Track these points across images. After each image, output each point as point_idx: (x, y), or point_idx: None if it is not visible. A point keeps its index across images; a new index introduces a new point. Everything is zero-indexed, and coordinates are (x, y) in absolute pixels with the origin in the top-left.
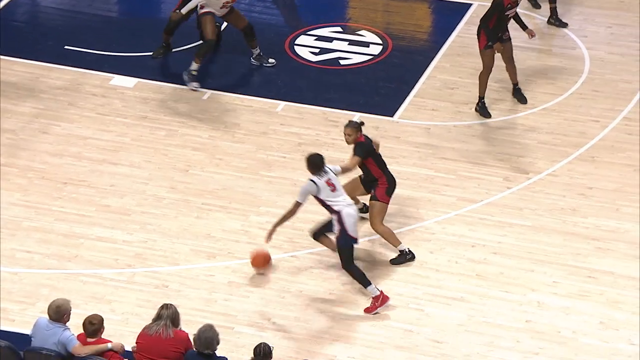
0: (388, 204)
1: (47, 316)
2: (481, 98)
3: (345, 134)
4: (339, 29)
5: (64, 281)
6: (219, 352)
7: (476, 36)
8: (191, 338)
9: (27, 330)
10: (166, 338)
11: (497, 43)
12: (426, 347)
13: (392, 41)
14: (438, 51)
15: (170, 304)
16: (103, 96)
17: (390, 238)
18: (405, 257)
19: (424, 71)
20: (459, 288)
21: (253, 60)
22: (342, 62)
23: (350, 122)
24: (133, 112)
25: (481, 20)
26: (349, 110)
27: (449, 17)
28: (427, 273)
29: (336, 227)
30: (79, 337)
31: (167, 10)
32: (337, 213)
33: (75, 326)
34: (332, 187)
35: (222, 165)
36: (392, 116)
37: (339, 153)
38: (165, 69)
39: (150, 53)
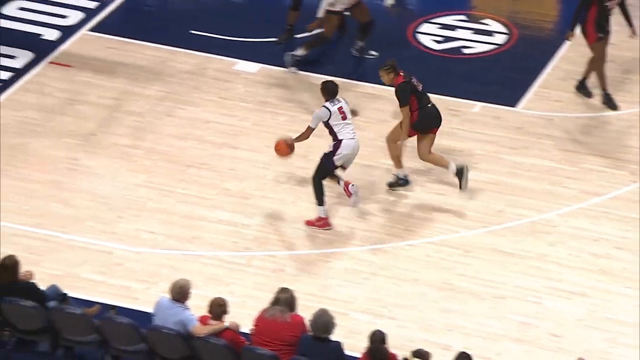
0: (412, 136)
1: (168, 295)
2: (604, 90)
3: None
4: (463, 17)
5: (184, 262)
6: (333, 337)
7: (570, 28)
8: (306, 323)
9: (149, 309)
10: (282, 322)
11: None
12: (544, 340)
13: (518, 30)
14: (564, 41)
15: (287, 288)
16: (226, 81)
17: (440, 162)
18: (460, 173)
19: (549, 61)
20: (580, 282)
21: (354, 51)
22: (465, 50)
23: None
24: (255, 97)
25: (577, 9)
26: (471, 99)
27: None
28: (547, 266)
29: (329, 147)
30: (200, 318)
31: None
32: (339, 141)
33: (194, 307)
34: (343, 115)
35: None
36: (514, 106)
37: (459, 143)
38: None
39: (275, 39)
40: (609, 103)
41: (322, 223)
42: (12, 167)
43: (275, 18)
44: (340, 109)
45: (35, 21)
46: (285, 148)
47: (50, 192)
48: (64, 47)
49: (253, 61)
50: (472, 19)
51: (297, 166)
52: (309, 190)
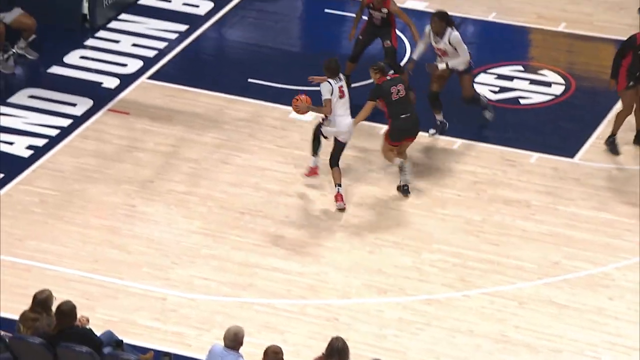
0: (392, 145)
1: (221, 342)
2: (613, 135)
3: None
4: (520, 67)
5: (238, 309)
6: None
7: (611, 77)
8: None
9: (202, 356)
10: None
11: (613, 80)
12: None
13: (575, 81)
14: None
15: (340, 338)
16: (282, 129)
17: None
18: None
19: (608, 113)
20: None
21: (431, 130)
22: (522, 101)
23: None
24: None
25: (615, 58)
26: (528, 150)
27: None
28: (605, 320)
29: (321, 119)
30: None
31: (348, 46)
32: (333, 117)
33: (247, 355)
34: (342, 94)
35: (396, 200)
36: (572, 157)
37: (517, 193)
38: None
39: None
40: (612, 147)
41: (311, 172)
42: (70, 213)
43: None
44: (340, 87)
45: (96, 69)
46: (304, 106)
47: (106, 237)
48: (122, 94)
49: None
50: (529, 70)
51: (351, 214)
52: (364, 239)
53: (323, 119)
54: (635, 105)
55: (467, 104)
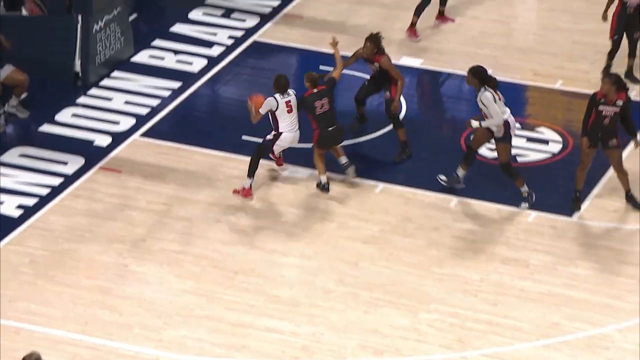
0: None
1: None
2: (577, 191)
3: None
4: (517, 125)
5: None
6: None
7: (581, 135)
8: None
9: None
10: None
11: (584, 138)
12: None
13: (573, 139)
14: (622, 150)
15: None
16: (277, 187)
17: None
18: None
19: (606, 171)
20: None
21: (442, 178)
22: (519, 159)
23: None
24: (306, 203)
25: (584, 117)
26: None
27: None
28: None
29: (270, 136)
30: None
31: (343, 102)
32: (279, 133)
33: None
34: (289, 109)
35: (392, 259)
36: (571, 216)
37: (514, 252)
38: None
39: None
40: (574, 204)
41: (245, 193)
42: (61, 273)
43: None
44: (288, 102)
45: (88, 127)
46: (250, 106)
47: (97, 298)
48: (114, 152)
49: (303, 166)
50: (526, 127)
51: (347, 274)
52: (360, 299)
53: (273, 140)
54: (613, 167)
55: (503, 173)
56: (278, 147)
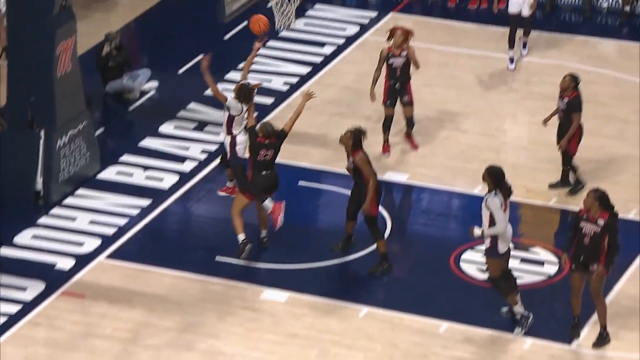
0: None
1: None
2: (574, 317)
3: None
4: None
5: None
6: None
7: (563, 250)
8: None
9: None
10: None
11: (564, 254)
12: None
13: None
14: (623, 273)
15: None
16: (253, 310)
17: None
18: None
19: (607, 294)
20: None
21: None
22: None
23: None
24: (283, 329)
25: (570, 234)
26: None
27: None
28: None
29: (228, 149)
30: None
31: (322, 218)
32: (233, 137)
33: None
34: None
35: None
36: (569, 344)
37: None
38: (321, 281)
39: (304, 265)
40: (573, 331)
41: (231, 191)
42: None
43: (302, 244)
44: (247, 112)
45: (49, 250)
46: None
47: None
48: (78, 276)
49: (282, 289)
50: (519, 247)
51: None
52: None
53: (230, 152)
54: (591, 294)
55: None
56: (240, 152)
